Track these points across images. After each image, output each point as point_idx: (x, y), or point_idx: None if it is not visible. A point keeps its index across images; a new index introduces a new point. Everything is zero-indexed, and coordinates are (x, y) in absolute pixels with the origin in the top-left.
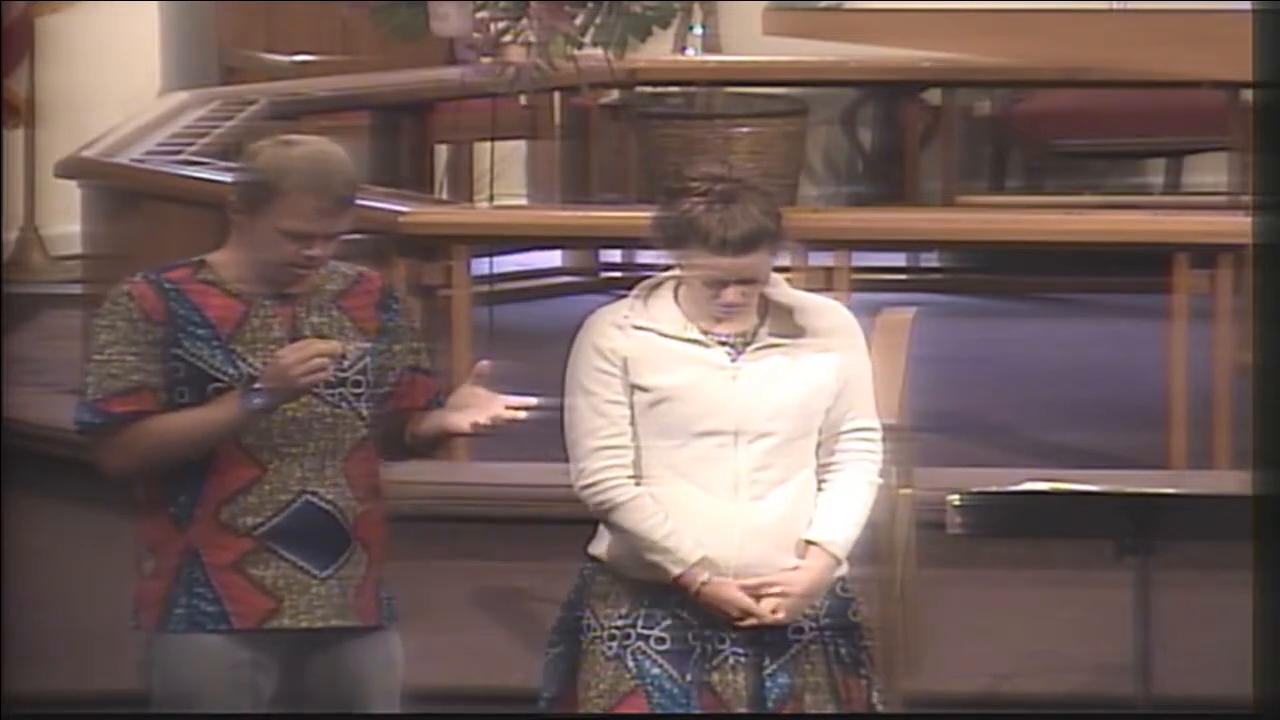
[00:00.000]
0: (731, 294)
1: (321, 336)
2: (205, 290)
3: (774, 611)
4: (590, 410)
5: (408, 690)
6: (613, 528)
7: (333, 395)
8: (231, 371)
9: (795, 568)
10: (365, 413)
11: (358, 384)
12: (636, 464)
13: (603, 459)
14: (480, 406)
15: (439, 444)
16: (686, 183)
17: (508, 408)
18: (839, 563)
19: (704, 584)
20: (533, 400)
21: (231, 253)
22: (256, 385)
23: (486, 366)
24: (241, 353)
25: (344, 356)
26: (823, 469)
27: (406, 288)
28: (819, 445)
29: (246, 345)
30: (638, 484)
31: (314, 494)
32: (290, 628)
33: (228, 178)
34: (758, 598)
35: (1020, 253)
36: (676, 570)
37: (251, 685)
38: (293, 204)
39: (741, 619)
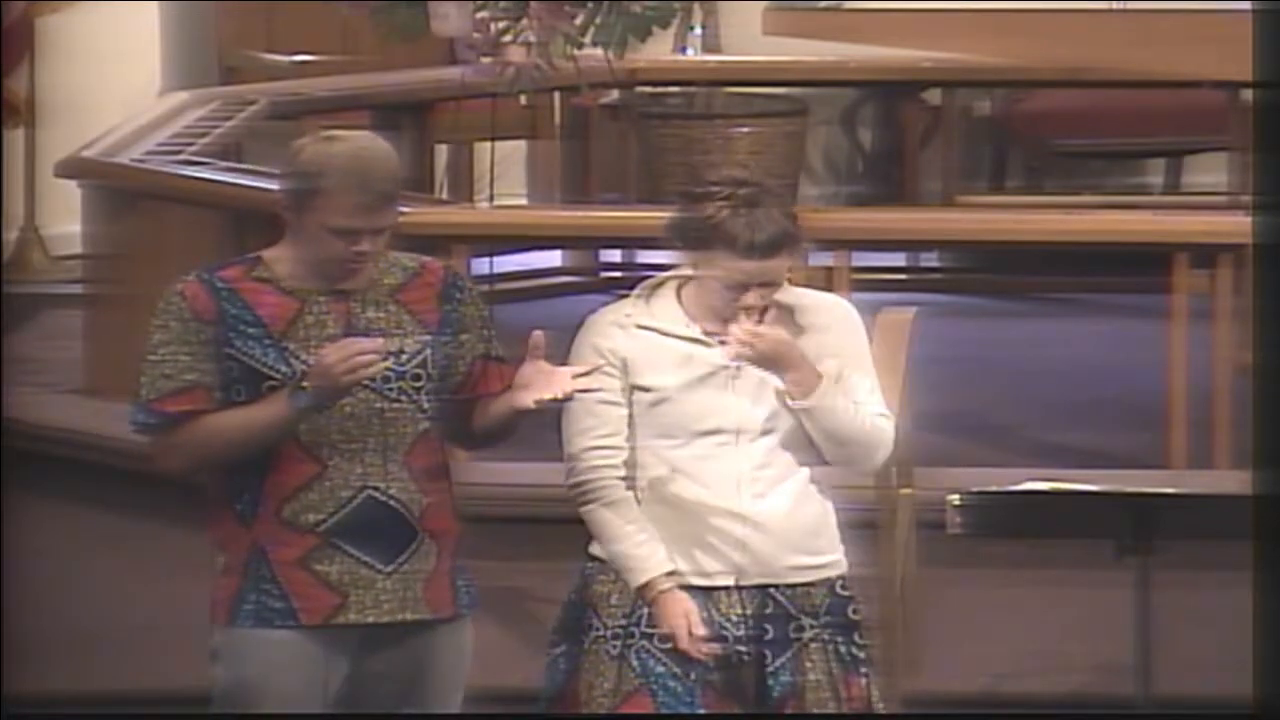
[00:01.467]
0: (752, 297)
1: (377, 331)
2: (258, 288)
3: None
4: (585, 410)
5: None
6: (591, 527)
7: (391, 390)
8: (285, 369)
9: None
10: (426, 406)
11: (417, 378)
12: (631, 465)
13: (592, 459)
14: (545, 381)
15: (510, 427)
16: (708, 186)
17: (574, 376)
18: (820, 381)
19: (662, 591)
20: (593, 367)
21: (285, 250)
22: (303, 384)
23: (540, 337)
24: (295, 350)
25: (402, 351)
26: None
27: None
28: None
29: (300, 343)
30: (628, 486)
31: (375, 489)
32: (356, 623)
33: (228, 177)
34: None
35: (1020, 253)
36: (640, 579)
37: (320, 679)
38: (336, 201)
39: (677, 638)
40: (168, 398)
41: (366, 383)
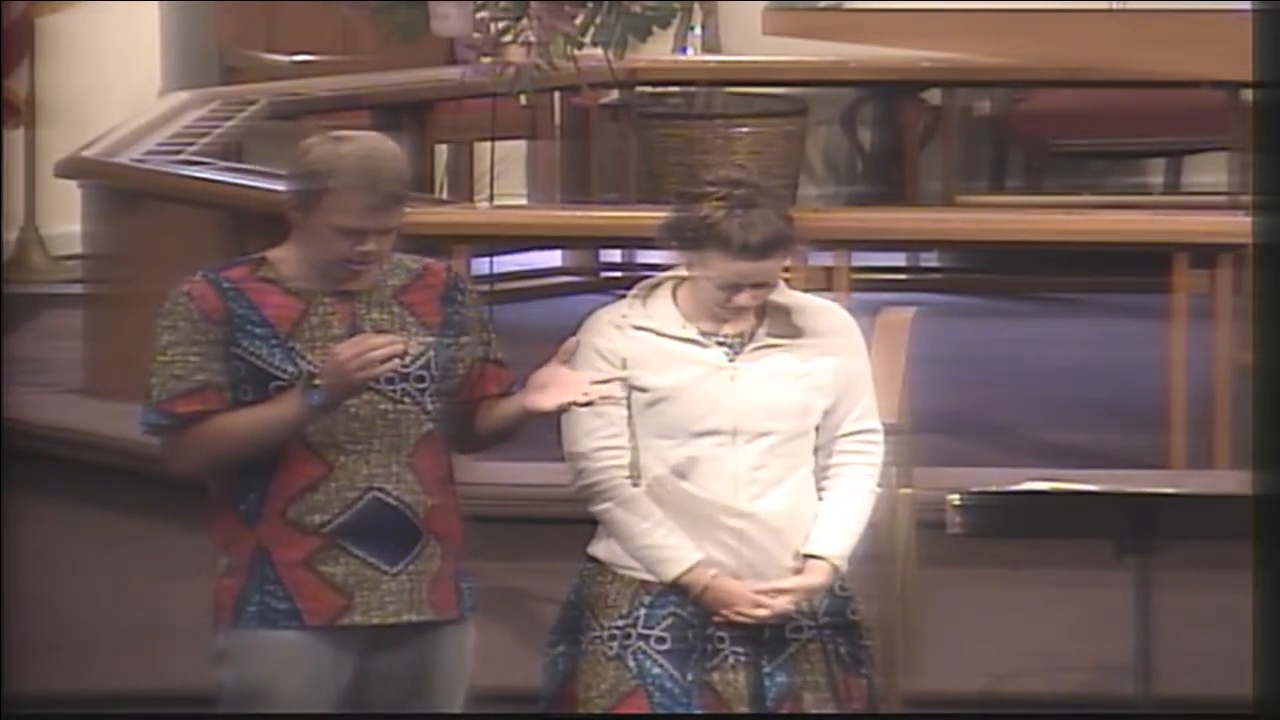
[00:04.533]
0: (745, 297)
1: (381, 332)
2: (264, 288)
3: (776, 615)
4: (588, 410)
5: None
6: (611, 528)
7: (395, 391)
8: (291, 370)
9: (797, 570)
10: (430, 407)
11: (421, 379)
12: (634, 464)
13: (601, 459)
14: (563, 385)
15: (516, 429)
16: (703, 186)
17: (594, 383)
18: (838, 572)
19: (707, 584)
20: (616, 378)
21: (290, 250)
22: (316, 382)
23: (573, 344)
24: (301, 350)
25: (406, 352)
26: (822, 473)
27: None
28: (819, 448)
29: (305, 343)
30: (635, 484)
31: (381, 490)
32: (362, 624)
33: (228, 177)
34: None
35: (1020, 253)
36: (675, 570)
37: (324, 680)
38: (343, 200)
39: (745, 617)
40: (179, 398)
41: (371, 384)
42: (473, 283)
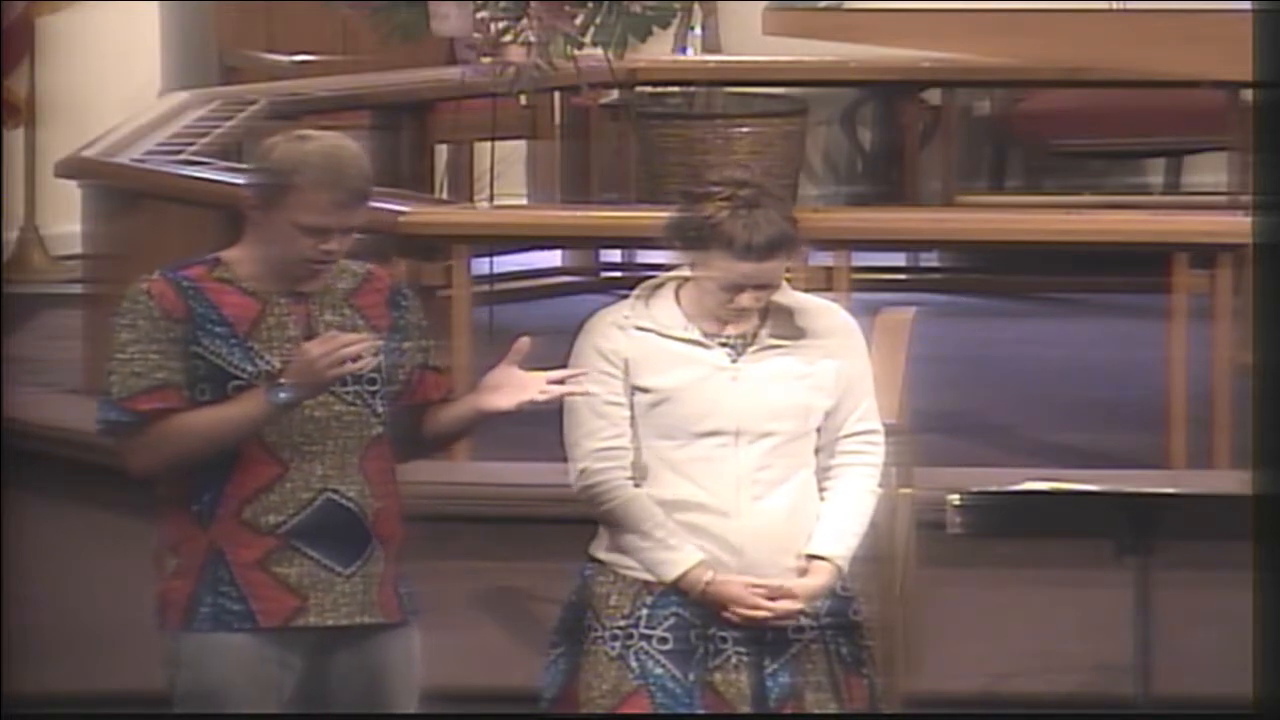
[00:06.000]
0: (747, 298)
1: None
2: (221, 288)
3: (779, 615)
4: (590, 411)
5: None
6: (613, 529)
7: (349, 394)
8: (250, 369)
9: (802, 571)
10: (380, 410)
11: (372, 382)
12: (636, 465)
13: (603, 460)
14: (519, 385)
15: (465, 432)
16: (707, 186)
17: (550, 382)
18: (841, 573)
19: (708, 583)
20: (578, 374)
21: (247, 249)
22: (282, 380)
23: (525, 344)
24: (259, 350)
25: (377, 352)
26: (824, 474)
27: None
28: (820, 449)
29: (264, 343)
30: (637, 485)
31: (335, 492)
32: (316, 625)
33: (228, 177)
34: (765, 599)
35: (1020, 253)
36: (677, 571)
37: (275, 683)
38: (308, 198)
39: (747, 617)
40: (139, 396)
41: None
42: (473, 283)
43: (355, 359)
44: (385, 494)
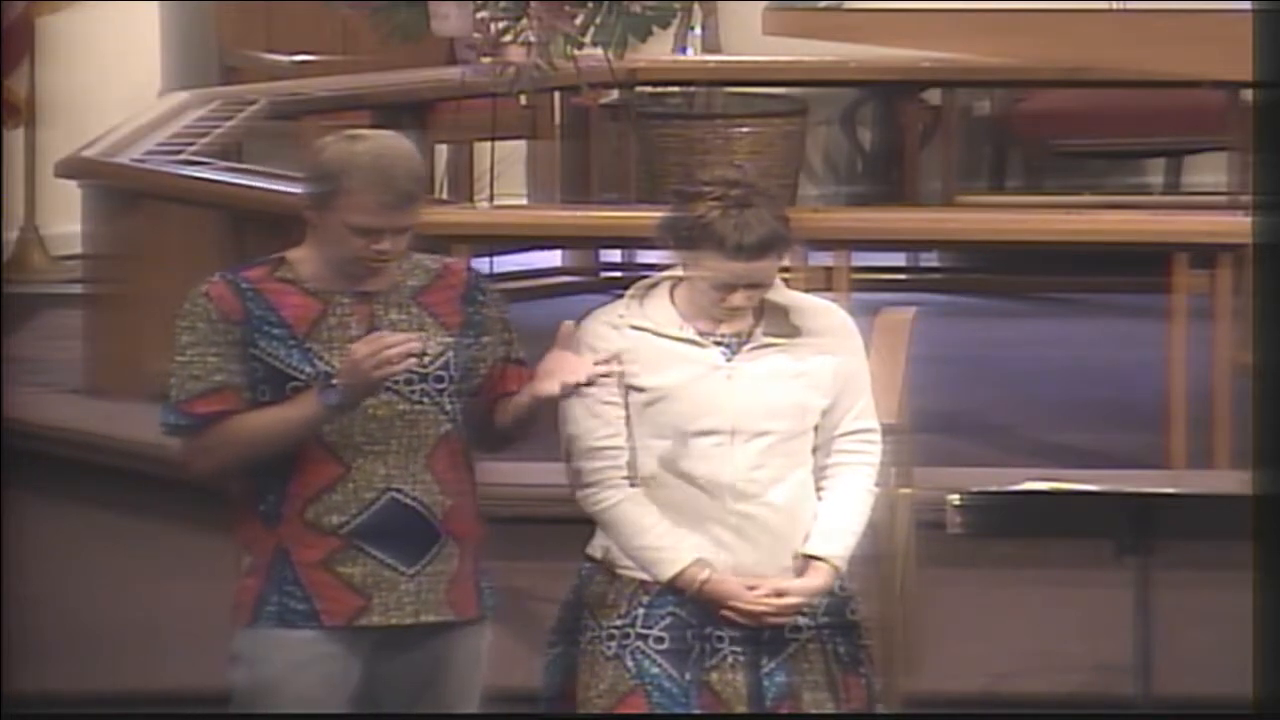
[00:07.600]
0: (739, 298)
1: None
2: (282, 289)
3: (776, 614)
4: (585, 411)
5: None
6: (608, 528)
7: (413, 392)
8: (309, 370)
9: (799, 571)
10: (449, 408)
11: (440, 380)
12: (632, 464)
13: (598, 460)
14: (569, 368)
15: (531, 421)
16: (699, 186)
17: (597, 363)
18: (839, 573)
19: (704, 582)
20: (614, 357)
21: (308, 250)
22: (333, 381)
23: (570, 327)
24: (318, 351)
25: (424, 353)
26: (821, 473)
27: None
28: (817, 448)
29: (323, 344)
30: (633, 485)
31: (399, 491)
32: (379, 625)
33: (228, 177)
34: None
35: (1020, 253)
36: (673, 570)
37: (336, 680)
38: (357, 200)
39: (742, 617)
40: (198, 399)
41: (390, 384)
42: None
43: (401, 359)
44: (458, 491)
